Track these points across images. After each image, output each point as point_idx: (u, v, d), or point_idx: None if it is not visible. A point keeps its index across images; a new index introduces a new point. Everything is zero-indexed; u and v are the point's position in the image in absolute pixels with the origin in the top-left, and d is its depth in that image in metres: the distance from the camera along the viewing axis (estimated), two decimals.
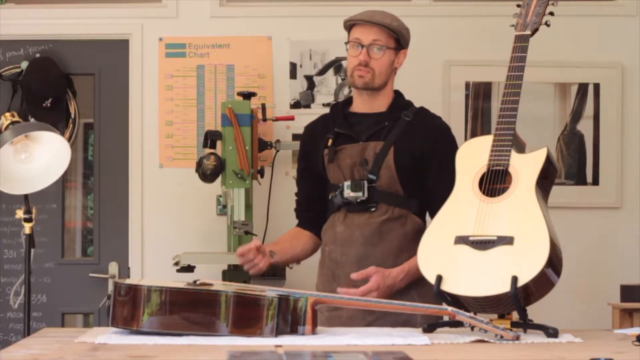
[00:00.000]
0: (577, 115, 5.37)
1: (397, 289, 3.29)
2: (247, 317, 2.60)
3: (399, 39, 3.44)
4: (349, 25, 3.46)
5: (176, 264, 4.75)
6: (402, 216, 3.38)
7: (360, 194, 3.36)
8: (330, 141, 3.44)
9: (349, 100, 3.55)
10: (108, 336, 2.61)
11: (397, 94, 3.54)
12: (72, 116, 5.37)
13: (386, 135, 3.40)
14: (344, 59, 5.31)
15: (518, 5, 3.07)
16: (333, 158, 3.40)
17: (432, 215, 3.32)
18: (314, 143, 3.51)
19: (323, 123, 3.55)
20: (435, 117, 3.54)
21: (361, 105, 3.49)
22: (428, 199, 3.43)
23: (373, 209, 3.37)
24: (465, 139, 5.16)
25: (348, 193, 3.36)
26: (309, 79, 5.35)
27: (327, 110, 3.70)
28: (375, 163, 3.37)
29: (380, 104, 3.47)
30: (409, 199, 3.39)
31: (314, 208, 3.54)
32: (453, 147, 3.37)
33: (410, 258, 3.34)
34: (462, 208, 2.89)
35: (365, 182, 3.35)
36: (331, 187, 3.45)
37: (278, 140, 5.09)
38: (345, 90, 5.33)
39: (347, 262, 3.38)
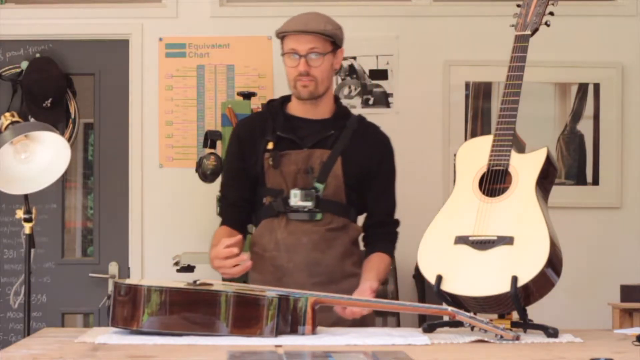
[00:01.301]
0: (577, 115, 5.37)
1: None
2: (247, 317, 2.60)
3: (334, 41, 3.37)
4: (282, 36, 3.36)
5: (176, 264, 4.75)
6: (345, 225, 3.37)
7: (310, 203, 3.30)
8: (271, 144, 3.35)
9: (286, 98, 3.47)
10: (108, 336, 2.61)
11: (337, 99, 3.48)
12: (72, 116, 5.37)
13: (332, 144, 3.35)
14: (344, 58, 5.28)
15: (518, 5, 3.07)
16: (277, 164, 3.32)
17: (374, 227, 3.40)
18: (252, 144, 3.39)
19: (260, 122, 3.43)
20: (377, 127, 3.50)
21: (303, 110, 3.40)
22: (370, 210, 3.43)
23: (319, 218, 3.32)
24: (465, 139, 5.17)
25: (296, 202, 3.30)
26: None
27: None
28: (322, 172, 3.31)
29: (323, 109, 3.40)
30: (349, 208, 3.38)
31: (245, 210, 3.44)
32: (394, 159, 3.47)
33: (354, 262, 3.37)
34: (462, 208, 2.89)
35: (314, 191, 3.30)
36: (267, 191, 3.36)
37: None
38: (345, 90, 5.33)
39: (295, 268, 3.32)
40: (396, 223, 3.47)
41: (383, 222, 3.43)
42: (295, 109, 3.43)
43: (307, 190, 3.30)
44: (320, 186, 3.31)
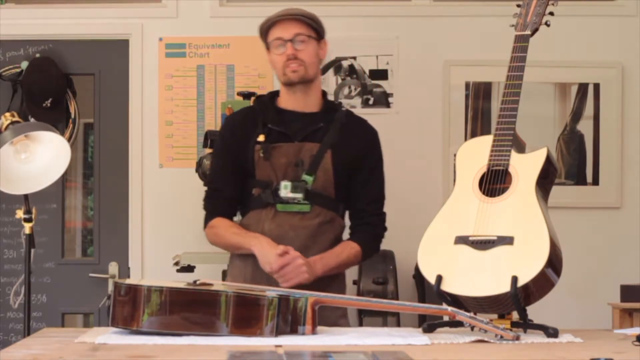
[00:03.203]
0: (577, 115, 5.37)
1: (315, 272, 3.27)
2: (247, 317, 2.60)
3: (317, 29, 3.40)
4: (266, 28, 3.39)
5: (176, 264, 4.75)
6: (332, 219, 3.39)
7: (300, 195, 3.33)
8: (262, 137, 3.37)
9: (275, 93, 3.49)
10: (108, 336, 2.61)
11: (324, 94, 3.50)
12: (72, 116, 5.37)
13: (322, 137, 3.37)
14: (344, 59, 5.32)
15: (518, 5, 3.07)
16: (268, 155, 3.34)
17: (354, 217, 3.44)
18: (244, 138, 3.40)
19: (250, 117, 3.45)
20: (365, 121, 3.53)
21: (293, 102, 3.42)
22: (353, 200, 3.44)
23: (307, 210, 3.35)
24: (465, 139, 5.17)
25: (286, 193, 3.33)
26: None
27: None
28: (312, 165, 3.34)
29: (312, 102, 3.42)
30: (338, 202, 3.40)
31: (236, 204, 3.47)
32: (381, 153, 3.49)
33: None
34: (462, 208, 2.89)
35: (304, 183, 3.33)
36: (256, 182, 3.38)
37: None
38: (346, 90, 5.32)
39: None
40: (380, 215, 3.46)
41: (364, 212, 3.43)
42: (285, 102, 3.44)
43: (297, 182, 3.33)
44: (309, 178, 3.34)
